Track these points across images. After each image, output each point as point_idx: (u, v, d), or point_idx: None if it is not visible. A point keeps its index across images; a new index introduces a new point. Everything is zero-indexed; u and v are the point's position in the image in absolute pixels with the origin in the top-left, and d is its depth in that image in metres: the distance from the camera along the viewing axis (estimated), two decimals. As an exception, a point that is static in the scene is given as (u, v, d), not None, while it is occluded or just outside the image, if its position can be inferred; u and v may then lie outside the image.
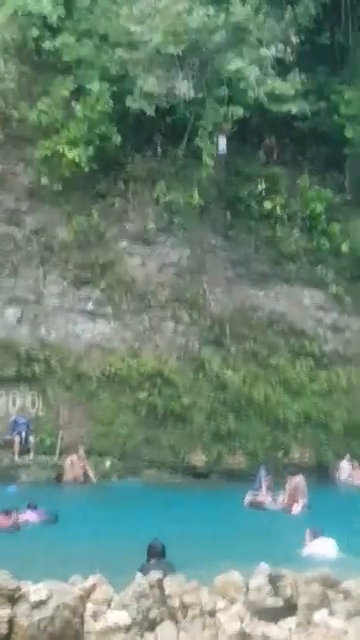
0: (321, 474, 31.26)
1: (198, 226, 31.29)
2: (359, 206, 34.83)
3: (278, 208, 32.76)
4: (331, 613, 7.37)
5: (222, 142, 31.58)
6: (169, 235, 31.06)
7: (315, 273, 33.71)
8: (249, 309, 32.52)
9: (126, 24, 28.81)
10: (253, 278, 32.82)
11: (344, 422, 32.81)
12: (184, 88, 28.65)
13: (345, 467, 31.88)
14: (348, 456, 32.08)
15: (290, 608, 7.23)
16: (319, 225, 33.70)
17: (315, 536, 15.07)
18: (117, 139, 29.00)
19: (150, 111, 28.71)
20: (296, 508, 22.79)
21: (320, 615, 7.24)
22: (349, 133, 33.20)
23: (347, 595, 7.73)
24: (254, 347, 32.18)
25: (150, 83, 28.41)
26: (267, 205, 32.53)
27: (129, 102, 28.74)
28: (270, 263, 33.15)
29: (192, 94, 28.76)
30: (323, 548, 14.43)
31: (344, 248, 33.75)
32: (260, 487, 24.00)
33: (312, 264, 33.79)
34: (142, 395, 29.33)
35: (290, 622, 7.07)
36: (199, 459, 30.06)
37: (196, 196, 29.88)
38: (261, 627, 6.86)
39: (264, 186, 32.54)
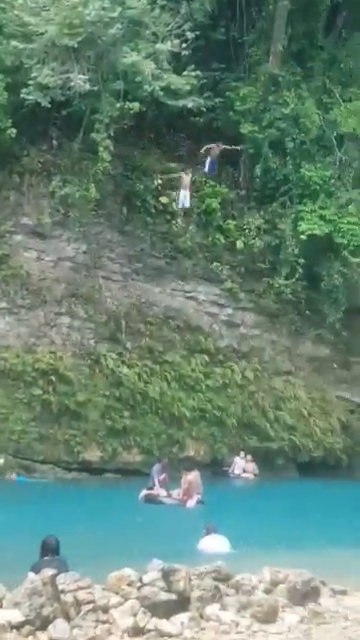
0: (215, 469, 31.68)
1: (94, 221, 31.22)
2: (254, 202, 35.32)
3: (174, 204, 32.97)
4: (223, 607, 7.53)
5: (207, 161, 32.94)
6: (65, 229, 30.90)
7: (210, 269, 34.04)
8: (145, 305, 32.63)
9: (21, 15, 28.55)
10: (149, 274, 32.94)
11: (238, 417, 33.28)
12: (80, 81, 28.57)
13: (239, 462, 32.40)
14: (242, 451, 32.58)
15: (183, 602, 7.36)
16: (214, 221, 34.05)
17: (209, 532, 15.27)
18: (12, 132, 28.65)
19: (45, 103, 28.56)
20: (191, 503, 23.04)
21: (212, 609, 7.40)
22: (244, 129, 33.68)
23: (238, 589, 7.91)
24: (150, 343, 32.32)
25: (45, 75, 28.25)
26: (163, 200, 32.69)
27: (24, 94, 28.49)
28: (166, 259, 33.32)
29: (88, 87, 28.71)
30: (216, 544, 14.64)
31: (239, 244, 34.19)
32: (155, 483, 24.13)
33: (207, 260, 34.11)
34: (37, 391, 29.10)
35: (183, 616, 7.20)
36: (94, 455, 30.05)
37: (92, 190, 29.81)
38: (154, 622, 6.98)
39: (160, 181, 32.69)
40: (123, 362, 31.34)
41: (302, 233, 33.79)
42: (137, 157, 32.82)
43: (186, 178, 32.37)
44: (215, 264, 34.13)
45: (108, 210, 32.03)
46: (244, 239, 34.43)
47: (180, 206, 32.64)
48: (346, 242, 34.07)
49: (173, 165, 33.79)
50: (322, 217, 34.13)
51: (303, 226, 33.85)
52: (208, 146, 33.24)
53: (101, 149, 29.49)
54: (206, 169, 33.53)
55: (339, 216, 34.29)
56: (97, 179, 30.14)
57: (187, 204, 32.47)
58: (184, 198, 32.40)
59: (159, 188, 32.78)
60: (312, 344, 36.81)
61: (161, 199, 32.79)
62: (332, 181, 34.97)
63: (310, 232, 33.67)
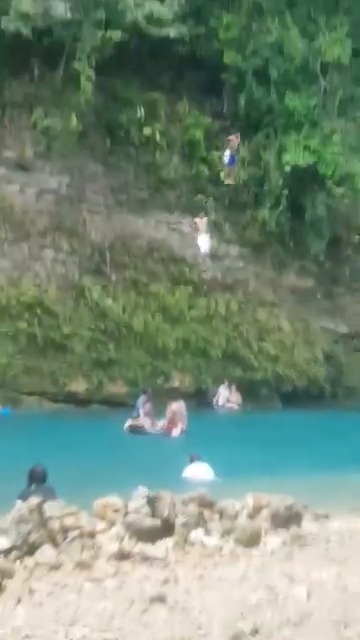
0: (200, 399, 31.89)
1: (77, 152, 30.86)
2: (238, 133, 34.97)
3: (157, 135, 32.62)
4: (207, 532, 7.65)
5: (227, 154, 32.27)
6: (47, 162, 30.56)
7: (194, 201, 33.83)
8: (129, 237, 32.48)
9: None
10: (133, 206, 32.73)
11: (222, 348, 33.41)
12: (61, 9, 28.01)
13: (223, 392, 32.60)
14: (226, 382, 32.78)
15: (168, 528, 7.48)
16: (198, 152, 33.75)
17: (193, 460, 15.44)
18: (-8, 63, 28.19)
19: (27, 32, 28.00)
20: (175, 432, 23.24)
21: (196, 534, 7.52)
22: (227, 58, 33.19)
23: (222, 514, 8.03)
24: (134, 275, 32.27)
25: (26, 3, 27.65)
26: (146, 131, 32.33)
27: (4, 23, 27.94)
28: (150, 190, 33.08)
29: (69, 15, 28.15)
30: (200, 472, 14.82)
31: (223, 176, 33.93)
32: (140, 413, 24.31)
33: (191, 192, 33.88)
34: (22, 325, 29.08)
35: (168, 542, 7.32)
36: (80, 387, 30.18)
37: (74, 121, 29.41)
38: (140, 546, 7.10)
39: (143, 112, 32.28)
40: (108, 294, 31.31)
41: (286, 164, 33.56)
42: (119, 87, 32.36)
43: (202, 222, 32.21)
44: (199, 196, 33.92)
45: (91, 142, 31.68)
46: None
47: (202, 251, 32.52)
48: (330, 172, 33.88)
49: (156, 95, 33.34)
50: (306, 148, 33.87)
51: (287, 157, 33.61)
52: (228, 138, 32.86)
53: (83, 79, 29.06)
54: (226, 161, 33.20)
55: (323, 146, 34.03)
56: (79, 110, 29.74)
57: (207, 249, 32.35)
58: (203, 243, 32.25)
59: (142, 119, 32.40)
60: (296, 275, 36.86)
61: (144, 130, 32.42)
62: (316, 111, 34.63)
63: (294, 163, 33.45)
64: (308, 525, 8.23)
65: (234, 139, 32.72)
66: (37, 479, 9.63)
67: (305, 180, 34.10)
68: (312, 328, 37.20)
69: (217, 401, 32.51)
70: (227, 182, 33.28)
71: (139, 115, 32.25)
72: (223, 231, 34.74)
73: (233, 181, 33.30)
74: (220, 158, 33.74)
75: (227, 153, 32.79)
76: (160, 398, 26.93)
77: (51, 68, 30.44)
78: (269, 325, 35.61)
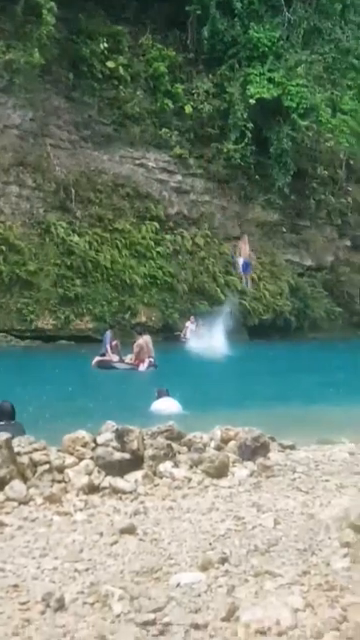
0: (167, 334, 31.99)
1: (40, 87, 30.33)
2: (202, 66, 34.57)
3: (121, 68, 32.11)
4: (175, 464, 7.69)
5: (240, 261, 34.60)
6: (10, 96, 29.99)
7: (159, 135, 33.49)
8: (94, 173, 32.15)
9: None
10: (97, 141, 32.33)
11: (189, 283, 33.43)
12: None
13: (190, 327, 32.70)
14: (192, 317, 32.85)
15: (137, 461, 7.50)
16: (162, 86, 33.34)
17: (160, 396, 15.49)
18: None
19: None
20: (142, 366, 23.29)
21: (165, 466, 7.55)
22: (192, -11, 32.64)
23: (190, 447, 8.07)
24: (99, 211, 32.02)
25: None
26: (110, 65, 31.81)
27: None
28: (114, 125, 32.68)
29: None
30: (168, 406, 14.88)
31: (188, 109, 33.57)
32: (107, 349, 24.31)
33: (156, 126, 33.54)
34: (-13, 261, 28.86)
35: (137, 474, 7.35)
36: (47, 323, 30.11)
37: (37, 55, 28.82)
38: (109, 480, 7.11)
39: (106, 45, 31.70)
40: (73, 231, 31.08)
41: (251, 97, 33.27)
42: (82, 20, 31.69)
43: (245, 248, 32.34)
44: (164, 130, 33.58)
45: (54, 76, 31.13)
46: (193, 104, 33.83)
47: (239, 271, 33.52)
48: (295, 105, 33.63)
49: (119, 28, 32.72)
50: (271, 80, 33.58)
51: (252, 89, 33.30)
52: (236, 244, 33.01)
53: (45, 12, 28.43)
54: (240, 269, 33.47)
55: (288, 79, 33.75)
56: (42, 43, 29.13)
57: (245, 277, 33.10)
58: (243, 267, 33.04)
59: (106, 52, 31.84)
60: (261, 209, 36.79)
61: (108, 64, 31.90)
62: (281, 43, 34.26)
63: (259, 95, 33.16)
64: (275, 456, 8.30)
65: (243, 245, 33.04)
66: (5, 416, 9.60)
67: (270, 113, 33.88)
68: (278, 261, 37.31)
69: (184, 335, 32.62)
70: (248, 289, 34.23)
71: (102, 48, 31.68)
72: (188, 165, 34.49)
73: (252, 287, 33.48)
74: (184, 91, 33.36)
75: (240, 260, 33.20)
76: (127, 333, 26.97)
77: (12, 0, 29.67)
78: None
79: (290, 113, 33.87)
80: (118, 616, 4.60)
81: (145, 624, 4.49)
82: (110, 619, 4.57)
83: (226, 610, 4.59)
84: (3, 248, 28.97)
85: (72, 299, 30.46)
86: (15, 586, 5.03)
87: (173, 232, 34.08)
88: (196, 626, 4.45)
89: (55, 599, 4.76)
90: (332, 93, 36.44)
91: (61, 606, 4.73)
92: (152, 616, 4.57)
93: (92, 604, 4.78)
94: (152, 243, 33.04)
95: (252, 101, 33.14)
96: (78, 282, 30.68)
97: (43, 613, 4.67)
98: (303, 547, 5.71)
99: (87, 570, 5.31)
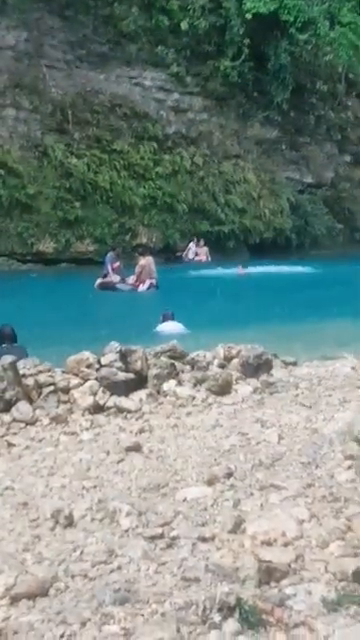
0: (168, 255, 31.92)
1: (34, 6, 29.64)
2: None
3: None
4: (179, 383, 7.72)
5: None
6: (4, 17, 29.36)
7: (155, 53, 32.89)
8: (90, 93, 31.66)
9: None
10: (93, 60, 31.76)
11: (189, 203, 33.21)
12: None
13: (191, 247, 32.63)
14: (194, 237, 32.73)
15: (141, 380, 7.53)
16: (157, 2, 32.56)
17: (165, 319, 15.50)
18: None
19: None
20: (142, 287, 23.26)
21: (169, 385, 7.59)
22: None
23: (194, 365, 8.10)
24: (97, 132, 31.64)
25: None
26: (103, -20, 31.09)
27: None
28: (110, 44, 32.06)
29: None
30: (172, 328, 14.90)
31: (184, 26, 32.89)
32: (109, 270, 24.26)
33: (152, 44, 32.91)
34: (-14, 186, 28.61)
35: (141, 393, 7.38)
36: (48, 247, 30.01)
37: (28, -27, 28.12)
38: (113, 399, 7.15)
39: None
40: (72, 153, 30.73)
41: (247, 11, 32.55)
42: None
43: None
44: (160, 47, 32.95)
45: (47, -6, 30.43)
46: (189, 20, 33.10)
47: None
48: (292, 19, 32.94)
49: None
50: (267, -7, 32.81)
51: (248, 4, 32.57)
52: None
53: None
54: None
55: (285, -8, 32.98)
56: None
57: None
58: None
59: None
60: (260, 126, 36.34)
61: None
62: None
63: (255, 10, 32.44)
64: (278, 373, 8.33)
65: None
66: (7, 339, 9.62)
67: (267, 28, 33.17)
68: (278, 179, 37.00)
69: (186, 256, 32.56)
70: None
71: None
72: (185, 83, 33.96)
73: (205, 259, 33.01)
74: (179, 7, 32.67)
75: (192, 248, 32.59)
76: (128, 255, 26.91)
77: None
78: (235, 177, 35.38)
79: (288, 27, 33.17)
80: (126, 531, 4.67)
81: (153, 538, 4.55)
82: (118, 534, 4.64)
83: (232, 523, 4.65)
84: (2, 172, 28.68)
85: (72, 222, 30.28)
86: (24, 504, 5.10)
87: (172, 152, 33.72)
88: (203, 539, 4.52)
89: (64, 516, 4.83)
90: (330, 5, 35.60)
91: (70, 522, 4.80)
92: (159, 530, 4.63)
93: (100, 520, 4.85)
94: (151, 163, 32.71)
95: (248, 16, 32.41)
96: (77, 204, 30.45)
97: (53, 529, 4.74)
98: (307, 461, 5.77)
99: (95, 487, 5.37)
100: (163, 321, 15.44)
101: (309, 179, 38.77)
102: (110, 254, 24.90)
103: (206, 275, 27.30)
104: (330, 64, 36.93)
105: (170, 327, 15.10)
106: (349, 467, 5.58)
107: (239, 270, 28.02)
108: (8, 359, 7.08)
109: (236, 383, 7.89)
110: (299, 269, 28.86)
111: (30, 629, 3.66)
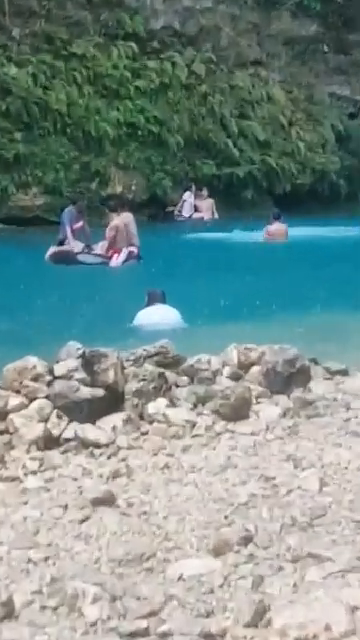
0: (155, 210, 31.95)
1: None
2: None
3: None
4: (172, 402, 7.72)
5: None
6: None
7: None
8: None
9: None
10: None
11: (185, 134, 33.26)
12: None
13: (189, 199, 32.60)
14: (192, 184, 32.68)
15: (115, 399, 7.53)
16: None
17: (152, 302, 15.48)
18: None
19: None
20: (118, 259, 23.24)
21: (156, 406, 7.59)
22: None
23: (193, 376, 8.10)
24: (48, 28, 31.79)
25: None
26: None
27: None
28: None
29: None
30: (160, 316, 14.86)
31: None
32: (68, 234, 24.26)
33: None
34: None
35: (115, 419, 7.38)
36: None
37: None
38: (74, 427, 7.15)
39: None
40: (9, 59, 30.75)
41: None
42: None
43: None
44: None
45: None
46: None
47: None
48: None
49: None
50: None
51: None
52: None
53: None
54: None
55: None
56: None
57: None
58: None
59: None
60: (291, 18, 36.38)
61: None
62: None
63: None
64: (319, 386, 8.34)
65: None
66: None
67: None
68: (317, 97, 37.06)
69: (181, 211, 32.58)
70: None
71: None
72: None
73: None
74: None
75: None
76: (95, 210, 26.90)
77: None
78: (254, 95, 35.41)
79: None
80: (93, 625, 4.67)
81: (133, 636, 4.56)
82: (82, 629, 4.64)
83: (252, 612, 4.65)
84: None
85: (10, 163, 30.28)
86: None
87: (159, 57, 33.74)
88: (208, 636, 4.52)
89: (0, 603, 4.83)
90: None
91: (9, 613, 4.80)
92: (143, 623, 4.63)
93: (54, 609, 4.85)
94: (128, 74, 32.71)
95: None
96: (18, 137, 30.44)
97: (-17, 625, 4.75)
98: (362, 518, 5.79)
99: (46, 560, 5.38)
100: (149, 304, 15.37)
101: (364, 97, 38.84)
102: (69, 210, 24.90)
103: (212, 240, 27.29)
104: None
105: (159, 314, 15.06)
106: None
107: (267, 233, 28.00)
108: None
109: (257, 402, 7.91)
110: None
111: None
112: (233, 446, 7.18)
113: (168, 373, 7.96)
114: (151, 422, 7.51)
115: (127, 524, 5.82)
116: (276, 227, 27.90)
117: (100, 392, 7.49)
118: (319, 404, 7.96)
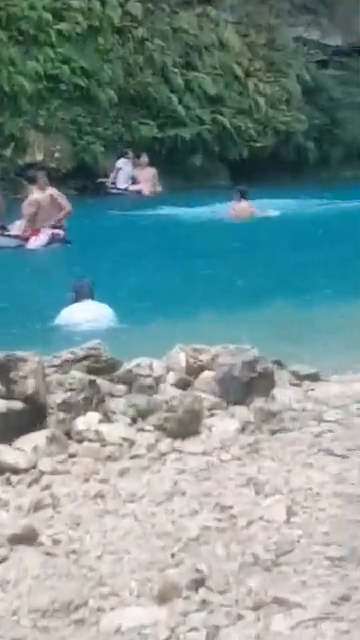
0: (83, 181, 31.99)
1: None
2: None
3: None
4: (106, 416, 7.74)
5: None
6: None
7: None
8: None
9: None
10: None
11: (119, 88, 33.29)
12: None
13: (125, 167, 32.65)
14: (129, 151, 32.75)
15: (35, 414, 7.54)
16: None
17: (80, 297, 15.53)
18: None
19: None
20: (37, 240, 23.27)
21: (86, 421, 7.60)
22: None
23: (132, 383, 8.12)
24: None
25: None
26: None
27: None
28: None
29: None
30: (89, 314, 14.93)
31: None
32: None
33: None
34: None
35: (36, 438, 7.38)
36: None
37: None
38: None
39: None
40: None
41: None
42: None
43: None
44: None
45: None
46: None
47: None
48: None
49: None
50: None
51: None
52: None
53: None
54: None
55: None
56: None
57: None
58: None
59: None
60: None
61: None
62: None
63: None
64: (285, 394, 8.39)
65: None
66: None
67: None
68: (280, 41, 37.24)
69: (115, 183, 32.63)
70: None
71: None
72: None
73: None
74: None
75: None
76: (13, 184, 26.94)
77: None
78: (202, 39, 35.51)
79: None
80: None
81: None
82: None
83: (206, 671, 4.69)
84: None
85: None
86: None
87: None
88: None
89: None
90: None
91: None
92: None
93: (-36, 672, 4.86)
94: (49, 16, 32.70)
95: None
96: None
97: None
98: (339, 555, 5.81)
99: None
100: (76, 300, 15.47)
101: (337, 40, 39.02)
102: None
103: (154, 218, 27.37)
104: None
105: (87, 311, 15.14)
106: None
107: (231, 210, 28.08)
108: None
109: (210, 415, 7.94)
110: (320, 204, 29.02)
111: None
112: (181, 469, 7.20)
113: (100, 381, 7.98)
114: (80, 441, 7.52)
115: (52, 566, 5.83)
116: (242, 206, 28.06)
117: (17, 405, 7.49)
118: (285, 416, 8.00)
